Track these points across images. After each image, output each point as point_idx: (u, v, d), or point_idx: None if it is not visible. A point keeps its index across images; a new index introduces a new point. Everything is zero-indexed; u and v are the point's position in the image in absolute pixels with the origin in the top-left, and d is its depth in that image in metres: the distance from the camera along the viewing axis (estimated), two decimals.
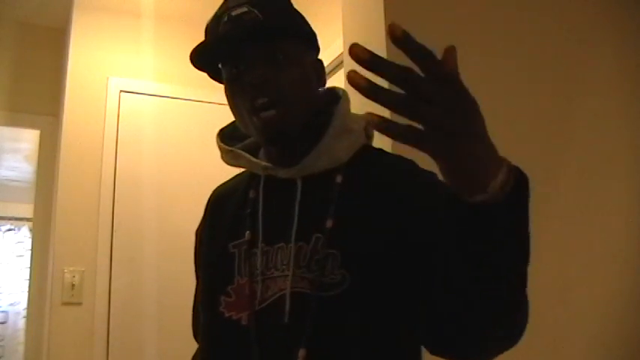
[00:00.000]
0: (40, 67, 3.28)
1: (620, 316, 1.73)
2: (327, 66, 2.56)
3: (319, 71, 1.05)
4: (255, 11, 0.95)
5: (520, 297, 0.77)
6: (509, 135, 1.71)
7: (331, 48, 2.49)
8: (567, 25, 1.86)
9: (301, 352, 0.86)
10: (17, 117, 3.30)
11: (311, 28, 1.06)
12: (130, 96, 2.93)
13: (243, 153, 1.03)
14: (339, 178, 0.96)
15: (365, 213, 0.93)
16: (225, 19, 0.97)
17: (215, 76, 1.04)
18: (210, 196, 1.15)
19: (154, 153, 2.90)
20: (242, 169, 1.11)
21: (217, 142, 1.06)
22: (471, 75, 1.71)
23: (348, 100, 1.04)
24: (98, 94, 2.87)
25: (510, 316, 0.78)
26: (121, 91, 2.91)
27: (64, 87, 2.88)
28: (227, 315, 0.96)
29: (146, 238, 2.79)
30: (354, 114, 1.04)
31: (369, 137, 1.04)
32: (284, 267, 0.93)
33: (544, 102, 1.76)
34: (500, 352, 0.84)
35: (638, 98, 1.92)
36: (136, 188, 2.84)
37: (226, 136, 1.07)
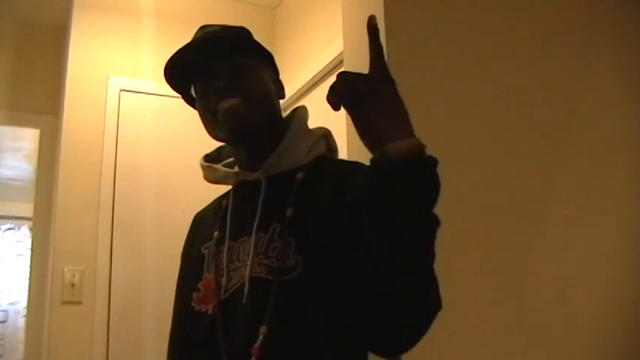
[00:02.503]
0: (39, 66, 3.29)
1: (619, 316, 1.73)
2: (328, 65, 2.56)
3: (278, 86, 1.18)
4: (221, 35, 1.10)
5: (422, 261, 0.83)
6: (509, 135, 1.71)
7: (331, 47, 2.49)
8: (568, 25, 1.86)
9: (262, 329, 0.94)
10: (17, 116, 3.30)
11: (271, 54, 1.19)
12: (130, 95, 2.93)
13: (219, 166, 1.16)
14: (299, 175, 1.07)
15: (319, 206, 1.02)
16: (195, 44, 1.11)
17: (190, 100, 1.17)
18: (192, 221, 1.27)
19: (154, 152, 2.90)
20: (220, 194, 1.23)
21: (200, 162, 1.19)
22: (471, 74, 1.73)
23: (306, 111, 1.18)
24: (98, 93, 2.87)
25: (412, 282, 0.83)
26: (121, 90, 2.91)
27: (64, 86, 2.87)
28: (197, 309, 1.06)
29: (146, 237, 2.79)
30: (314, 128, 1.17)
31: (331, 150, 1.17)
32: (245, 257, 1.02)
33: (543, 102, 1.76)
34: (412, 336, 0.88)
35: (638, 98, 1.92)
36: (136, 187, 2.84)
37: (211, 159, 1.21)
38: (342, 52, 1.83)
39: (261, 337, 0.93)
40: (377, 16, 1.48)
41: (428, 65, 1.61)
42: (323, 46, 2.55)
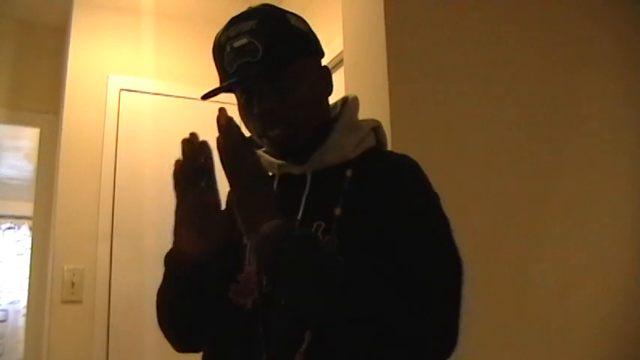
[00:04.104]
0: (40, 65, 3.28)
1: (619, 316, 1.73)
2: (328, 64, 2.55)
3: (327, 79, 1.10)
4: (255, 42, 0.98)
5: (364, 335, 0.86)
6: (510, 135, 1.71)
7: (331, 46, 2.49)
8: (568, 22, 1.86)
9: (307, 334, 0.90)
10: (17, 115, 3.30)
11: (310, 34, 1.10)
12: (130, 94, 2.93)
13: (263, 154, 1.10)
14: (349, 172, 1.02)
15: (367, 208, 0.98)
16: (229, 49, 1.01)
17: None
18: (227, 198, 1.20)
19: (154, 151, 2.90)
20: None
21: None
22: (471, 74, 1.72)
23: (357, 102, 1.11)
24: (98, 92, 2.86)
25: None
26: (121, 89, 2.91)
27: (64, 85, 2.87)
28: (234, 301, 1.02)
29: (146, 236, 2.78)
30: (364, 119, 1.11)
31: (381, 143, 1.11)
32: None
33: (543, 103, 1.76)
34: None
35: (638, 99, 1.92)
36: (135, 186, 2.83)
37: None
38: (342, 52, 1.83)
39: (306, 342, 0.90)
40: (377, 16, 1.48)
41: (428, 65, 1.61)
42: (323, 45, 2.55)
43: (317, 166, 1.04)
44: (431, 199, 1.01)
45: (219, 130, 0.90)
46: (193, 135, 0.94)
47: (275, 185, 1.08)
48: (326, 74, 1.11)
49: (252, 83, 1.01)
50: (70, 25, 2.94)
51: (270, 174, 1.12)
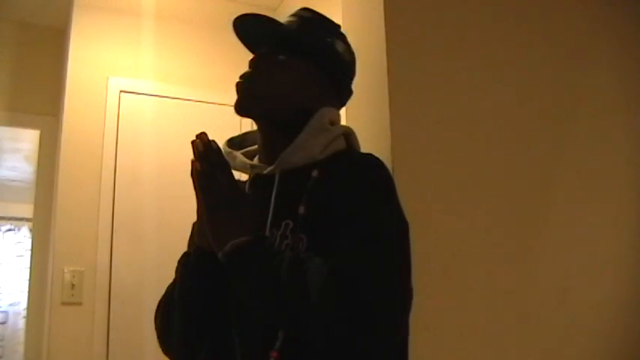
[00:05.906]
0: (40, 67, 3.29)
1: (620, 317, 1.73)
2: None
3: (322, 88, 1.16)
4: (290, 21, 1.15)
5: (291, 325, 0.93)
6: (511, 134, 1.71)
7: None
8: (571, 22, 1.86)
9: (281, 332, 0.95)
10: (17, 117, 3.30)
11: (344, 61, 1.21)
12: (130, 96, 2.93)
13: (238, 154, 1.15)
14: (315, 173, 1.06)
15: (332, 204, 1.01)
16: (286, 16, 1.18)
17: None
18: None
19: (154, 153, 2.90)
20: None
21: (222, 146, 1.16)
22: (471, 74, 1.72)
23: (329, 109, 1.15)
24: (98, 94, 2.86)
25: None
26: (121, 91, 2.91)
27: (64, 87, 2.87)
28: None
29: (146, 238, 2.79)
30: (335, 125, 1.15)
31: (352, 148, 1.15)
32: None
33: (544, 104, 1.76)
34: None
35: (638, 98, 1.92)
36: (136, 188, 2.84)
37: (234, 143, 1.21)
38: None
39: (279, 340, 0.94)
40: (377, 16, 1.48)
41: (428, 65, 1.60)
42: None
43: (285, 166, 1.08)
44: (376, 194, 1.03)
45: (195, 155, 0.96)
46: (203, 134, 0.98)
47: (247, 187, 1.14)
48: (324, 83, 1.16)
49: (257, 47, 1.16)
50: (70, 26, 2.94)
51: (246, 178, 1.18)
